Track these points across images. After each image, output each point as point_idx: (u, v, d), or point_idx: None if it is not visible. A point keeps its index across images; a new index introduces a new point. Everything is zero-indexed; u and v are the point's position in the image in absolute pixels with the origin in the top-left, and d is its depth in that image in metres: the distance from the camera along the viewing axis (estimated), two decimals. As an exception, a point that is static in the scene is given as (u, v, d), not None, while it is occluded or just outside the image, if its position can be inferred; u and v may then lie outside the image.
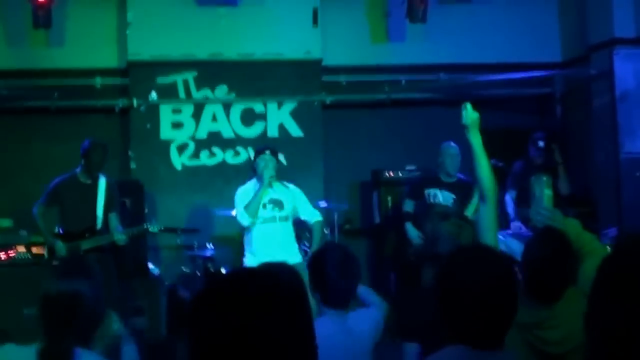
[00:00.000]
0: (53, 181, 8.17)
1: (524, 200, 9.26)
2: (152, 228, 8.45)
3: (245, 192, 8.00)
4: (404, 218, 9.03)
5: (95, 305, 3.40)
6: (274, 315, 1.71)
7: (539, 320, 3.81)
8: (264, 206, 7.86)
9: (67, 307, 3.31)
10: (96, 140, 8.19)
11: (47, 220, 8.11)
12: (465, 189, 8.71)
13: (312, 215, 8.04)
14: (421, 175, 9.33)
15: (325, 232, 8.29)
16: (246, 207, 7.81)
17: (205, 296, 1.78)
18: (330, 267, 4.11)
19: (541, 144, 9.50)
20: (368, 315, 4.44)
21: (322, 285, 4.13)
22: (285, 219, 7.87)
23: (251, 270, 1.91)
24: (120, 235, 7.97)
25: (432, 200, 8.81)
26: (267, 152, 7.97)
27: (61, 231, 8.03)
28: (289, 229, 7.91)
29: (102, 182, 8.16)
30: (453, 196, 8.78)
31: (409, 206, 9.09)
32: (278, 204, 7.89)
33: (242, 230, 8.13)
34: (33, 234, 8.75)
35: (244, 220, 7.90)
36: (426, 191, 8.87)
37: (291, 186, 8.11)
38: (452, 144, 8.85)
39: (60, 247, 7.89)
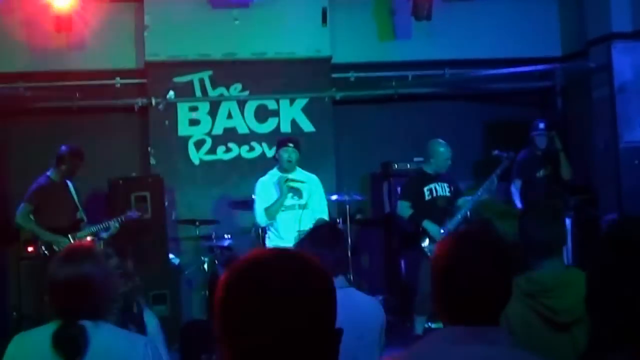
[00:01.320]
0: (30, 187, 8.48)
1: (529, 189, 9.61)
2: (132, 215, 8.75)
3: (264, 184, 8.25)
4: (410, 220, 8.74)
5: (104, 285, 3.50)
6: (304, 296, 1.73)
7: (546, 288, 3.92)
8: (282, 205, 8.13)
9: (76, 290, 3.41)
10: (74, 147, 8.54)
11: (35, 223, 8.38)
12: (452, 180, 8.93)
13: (319, 212, 8.20)
14: (412, 176, 9.14)
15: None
16: (267, 210, 8.08)
17: (236, 276, 1.77)
18: (317, 242, 4.29)
19: (542, 125, 9.71)
20: (375, 303, 4.60)
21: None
22: (304, 206, 8.10)
23: (282, 252, 1.87)
24: (114, 225, 8.36)
25: (433, 194, 8.75)
26: (290, 144, 8.22)
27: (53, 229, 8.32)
28: (308, 215, 8.05)
29: (69, 183, 8.55)
30: (447, 185, 8.80)
31: (405, 208, 8.75)
32: (297, 192, 8.15)
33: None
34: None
35: (262, 221, 8.19)
36: (425, 188, 8.75)
37: (312, 176, 8.34)
38: (442, 147, 8.88)
39: (64, 241, 8.17)
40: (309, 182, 8.24)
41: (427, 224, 8.55)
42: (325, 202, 8.33)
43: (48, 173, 8.45)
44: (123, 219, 8.51)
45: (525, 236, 4.09)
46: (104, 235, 8.32)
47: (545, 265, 4.00)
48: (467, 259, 2.59)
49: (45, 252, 8.26)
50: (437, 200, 8.76)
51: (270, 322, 1.69)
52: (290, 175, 8.18)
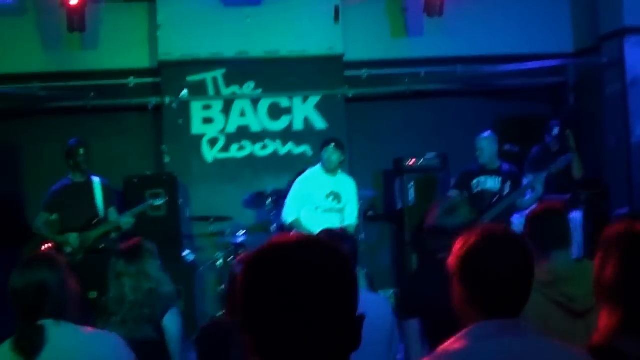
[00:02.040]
0: (49, 190, 8.45)
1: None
2: (157, 202, 8.77)
3: (305, 183, 8.38)
4: None
5: (60, 291, 3.69)
6: (325, 284, 1.72)
7: (562, 278, 4.04)
8: (326, 197, 8.25)
9: (34, 296, 3.62)
10: (75, 140, 8.49)
11: (50, 228, 8.33)
12: (511, 175, 8.95)
13: (349, 216, 8.33)
14: (468, 168, 9.22)
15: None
16: (296, 223, 8.21)
17: (258, 261, 1.77)
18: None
19: (556, 131, 9.69)
20: (383, 301, 4.67)
21: None
22: (341, 210, 8.23)
23: (303, 237, 1.85)
24: (125, 219, 8.23)
25: (480, 187, 8.84)
26: (332, 144, 8.35)
27: (68, 230, 8.27)
28: (341, 219, 8.22)
29: (97, 181, 8.46)
30: (500, 179, 8.86)
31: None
32: (338, 197, 8.25)
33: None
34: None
35: (287, 218, 8.31)
36: (474, 181, 8.89)
37: (350, 179, 8.50)
38: (485, 134, 9.04)
39: (74, 238, 8.13)
40: (348, 187, 8.34)
41: None
42: (356, 207, 8.48)
43: (68, 174, 8.42)
44: (137, 212, 8.48)
45: (532, 231, 4.24)
46: (125, 228, 8.27)
47: (554, 256, 4.13)
48: (495, 255, 2.66)
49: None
50: (484, 193, 8.82)
51: (294, 304, 1.69)
52: (333, 178, 8.30)
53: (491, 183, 8.91)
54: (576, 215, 9.38)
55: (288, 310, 1.68)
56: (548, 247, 4.16)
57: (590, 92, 10.95)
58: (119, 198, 8.97)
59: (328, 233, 4.83)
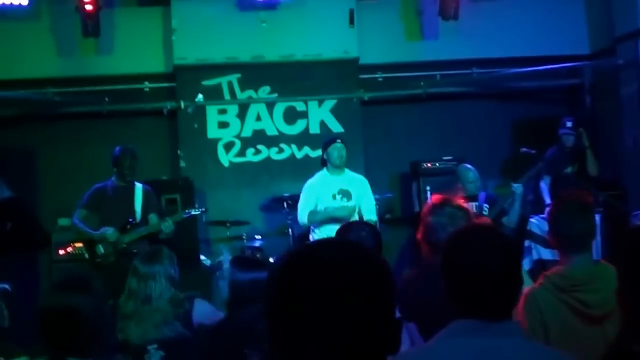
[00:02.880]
0: (90, 189, 8.38)
1: (558, 186, 9.60)
2: (194, 211, 8.62)
3: (311, 186, 8.31)
4: None
5: (94, 320, 3.35)
6: (362, 287, 1.69)
7: (579, 283, 3.93)
8: (334, 196, 8.16)
9: (65, 323, 3.31)
10: (124, 147, 8.39)
11: (87, 225, 8.25)
12: (492, 199, 8.95)
13: (368, 213, 8.23)
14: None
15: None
16: (311, 215, 8.13)
17: (289, 266, 1.74)
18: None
19: (569, 124, 9.72)
20: None
21: None
22: (353, 209, 8.18)
23: (335, 243, 1.86)
24: (166, 223, 8.09)
25: None
26: (339, 140, 8.30)
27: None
28: (355, 217, 8.10)
29: (139, 187, 8.38)
30: (476, 204, 8.83)
31: None
32: (347, 194, 8.18)
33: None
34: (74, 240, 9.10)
35: (302, 220, 8.25)
36: None
37: (360, 177, 8.43)
38: (469, 168, 8.98)
39: (111, 232, 8.00)
40: (358, 184, 8.27)
41: None
42: (373, 203, 8.38)
43: (112, 177, 8.38)
44: (178, 219, 8.42)
45: (556, 230, 4.11)
46: (163, 236, 8.18)
47: (576, 260, 4.00)
48: (477, 251, 2.62)
49: (86, 254, 8.23)
50: None
51: (321, 310, 1.65)
52: (339, 177, 8.22)
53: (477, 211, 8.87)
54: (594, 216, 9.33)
55: (326, 314, 1.65)
56: (569, 249, 4.04)
57: (606, 94, 10.93)
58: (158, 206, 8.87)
59: (347, 226, 4.79)
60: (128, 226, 8.14)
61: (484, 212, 8.93)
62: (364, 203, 8.23)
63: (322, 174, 8.34)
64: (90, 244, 8.17)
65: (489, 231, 2.75)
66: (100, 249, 8.06)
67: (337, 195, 8.16)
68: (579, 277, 3.94)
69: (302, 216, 8.21)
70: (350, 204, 8.16)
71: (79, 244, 9.07)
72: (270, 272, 1.76)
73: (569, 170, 9.78)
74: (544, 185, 9.85)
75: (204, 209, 8.81)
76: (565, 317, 3.92)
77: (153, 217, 8.32)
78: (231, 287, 4.61)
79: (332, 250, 1.76)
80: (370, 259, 1.76)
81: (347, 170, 8.34)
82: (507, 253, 2.64)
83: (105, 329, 3.56)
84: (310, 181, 8.38)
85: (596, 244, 8.91)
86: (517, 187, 8.80)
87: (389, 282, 1.76)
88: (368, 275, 1.71)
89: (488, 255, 2.60)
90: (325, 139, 8.76)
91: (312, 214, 8.13)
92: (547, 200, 9.67)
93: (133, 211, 8.25)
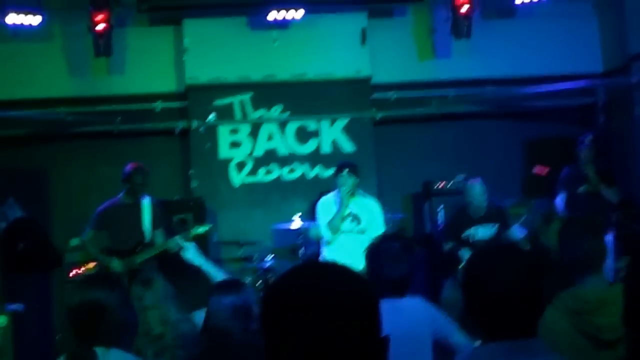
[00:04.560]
0: (98, 208, 8.36)
1: (572, 205, 9.53)
2: (201, 229, 8.50)
3: (325, 204, 8.30)
4: (452, 251, 8.96)
5: (119, 313, 3.65)
6: (342, 304, 1.70)
7: (591, 307, 3.90)
8: (343, 219, 8.15)
9: (90, 315, 3.58)
10: (136, 164, 8.38)
11: (96, 245, 8.28)
12: (500, 214, 8.95)
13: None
14: (454, 218, 9.22)
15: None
16: (329, 224, 8.14)
17: (279, 289, 1.76)
18: (385, 257, 4.27)
19: (588, 140, 9.47)
20: (423, 306, 4.46)
21: (377, 273, 4.27)
22: (362, 232, 8.10)
23: (324, 267, 1.86)
24: (173, 242, 7.85)
25: (473, 239, 8.85)
26: (346, 170, 8.20)
27: (113, 251, 8.21)
28: (363, 241, 8.01)
29: (147, 201, 8.36)
30: (490, 225, 8.88)
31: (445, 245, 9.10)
32: (356, 218, 8.16)
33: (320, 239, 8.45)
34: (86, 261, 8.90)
35: (326, 235, 8.23)
36: (465, 234, 8.91)
37: (371, 201, 8.37)
38: (474, 184, 8.94)
39: (117, 264, 8.03)
40: (368, 209, 8.25)
41: (464, 252, 8.68)
42: (382, 230, 8.31)
43: (120, 194, 8.38)
44: (185, 237, 8.35)
45: (565, 251, 4.08)
46: (174, 250, 8.12)
47: (588, 281, 3.98)
48: (499, 270, 2.60)
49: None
50: (478, 244, 8.81)
51: (311, 332, 1.67)
52: (351, 202, 8.20)
53: (482, 232, 8.89)
54: (608, 238, 9.25)
55: (306, 339, 1.67)
56: (578, 271, 4.01)
57: (620, 113, 10.90)
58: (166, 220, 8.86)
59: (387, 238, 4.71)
60: (138, 248, 8.15)
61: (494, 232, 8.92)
62: (373, 230, 8.17)
63: (331, 197, 8.31)
64: (103, 264, 8.17)
65: (510, 249, 2.75)
66: (118, 267, 8.05)
67: (345, 219, 8.14)
68: (592, 299, 3.91)
69: (325, 232, 8.20)
70: (356, 229, 8.18)
71: (92, 264, 9.01)
72: (264, 295, 1.79)
73: (583, 189, 9.68)
74: (560, 202, 9.73)
75: (210, 226, 8.71)
76: (578, 342, 3.88)
77: (158, 236, 8.31)
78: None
79: (314, 277, 1.77)
80: (354, 283, 1.76)
81: (358, 194, 8.28)
82: (530, 271, 2.61)
83: (130, 321, 3.85)
84: (324, 199, 8.38)
85: (609, 265, 8.85)
86: (519, 231, 8.86)
87: (371, 301, 1.77)
88: (353, 300, 1.72)
89: (511, 274, 2.58)
90: (338, 163, 8.67)
91: (330, 224, 8.14)
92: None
93: (142, 231, 8.25)
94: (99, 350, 3.54)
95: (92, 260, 8.42)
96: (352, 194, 8.20)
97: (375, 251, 4.43)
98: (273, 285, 1.78)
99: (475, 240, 8.85)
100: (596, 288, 3.96)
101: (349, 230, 8.13)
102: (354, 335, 1.69)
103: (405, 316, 4.18)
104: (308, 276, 1.77)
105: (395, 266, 4.27)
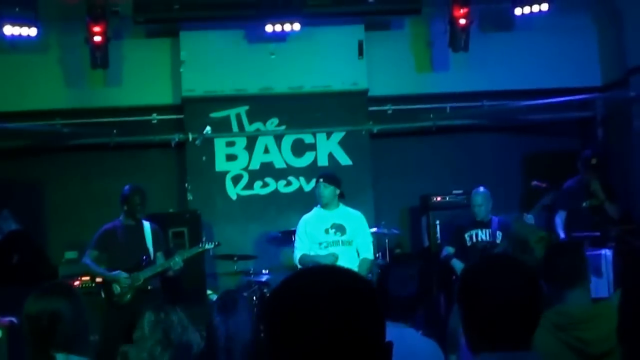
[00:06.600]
0: (99, 229, 8.30)
1: (574, 220, 9.47)
2: (207, 245, 8.53)
3: (305, 223, 8.21)
4: (445, 259, 9.08)
5: (74, 321, 3.66)
6: (344, 307, 1.68)
7: (577, 321, 3.92)
8: (327, 231, 8.05)
9: (47, 323, 3.61)
10: (133, 185, 8.35)
11: (98, 264, 8.22)
12: (501, 226, 8.96)
13: (364, 251, 8.11)
14: (458, 222, 9.32)
15: (370, 274, 8.02)
16: (302, 259, 8.08)
17: (281, 293, 1.75)
18: (392, 281, 4.27)
19: (594, 152, 9.53)
20: (433, 347, 4.39)
21: (383, 297, 4.21)
22: (349, 243, 8.04)
23: (328, 270, 1.83)
24: (175, 260, 8.04)
25: (473, 240, 8.90)
26: (320, 180, 8.18)
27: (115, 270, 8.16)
28: (352, 252, 8.02)
29: (147, 225, 8.33)
30: (489, 231, 8.94)
31: (448, 252, 9.12)
32: (340, 228, 8.07)
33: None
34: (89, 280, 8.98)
35: (295, 259, 8.21)
36: (466, 234, 8.95)
37: (356, 214, 8.27)
38: (480, 191, 9.02)
39: (124, 277, 7.97)
40: (353, 219, 8.17)
41: (455, 262, 8.82)
42: (370, 240, 8.28)
43: (120, 217, 8.35)
44: (188, 255, 8.35)
45: (545, 269, 4.13)
46: (171, 273, 8.15)
47: (568, 296, 4.02)
48: (495, 281, 2.57)
49: (102, 293, 8.13)
50: (476, 244, 8.87)
51: (314, 335, 1.65)
52: (333, 212, 8.13)
53: (482, 235, 8.96)
54: (606, 253, 9.20)
55: (307, 343, 1.66)
56: (561, 287, 4.04)
57: (618, 126, 10.86)
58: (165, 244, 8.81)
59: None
60: (143, 263, 8.12)
61: (497, 240, 8.87)
62: (360, 239, 8.12)
63: (317, 209, 8.25)
64: (106, 283, 8.13)
65: (507, 260, 2.72)
66: (117, 288, 8.01)
67: (330, 230, 8.06)
68: (577, 314, 3.94)
69: (295, 257, 8.18)
70: (342, 240, 8.07)
71: (86, 278, 9.09)
72: (265, 302, 1.79)
73: (586, 204, 9.63)
74: (559, 221, 9.66)
75: (217, 243, 8.69)
76: (563, 356, 3.88)
77: (160, 257, 8.29)
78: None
79: (319, 280, 1.75)
80: (359, 286, 1.75)
81: (342, 206, 8.23)
82: (526, 282, 2.58)
83: (85, 328, 3.82)
84: (304, 217, 8.30)
85: (608, 279, 8.80)
86: (530, 219, 8.77)
87: (377, 309, 1.75)
88: (357, 304, 1.71)
89: (507, 285, 2.55)
90: (319, 174, 8.65)
91: (304, 257, 8.06)
92: (562, 235, 9.49)
93: (146, 249, 8.24)
94: (60, 357, 3.60)
95: (91, 275, 8.47)
96: (328, 205, 8.14)
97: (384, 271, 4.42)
98: (276, 289, 1.76)
99: (477, 240, 8.89)
100: (580, 303, 4.00)
101: (335, 241, 8.05)
102: (357, 339, 1.68)
103: (409, 346, 4.04)
104: (312, 279, 1.75)
105: (402, 287, 4.27)
